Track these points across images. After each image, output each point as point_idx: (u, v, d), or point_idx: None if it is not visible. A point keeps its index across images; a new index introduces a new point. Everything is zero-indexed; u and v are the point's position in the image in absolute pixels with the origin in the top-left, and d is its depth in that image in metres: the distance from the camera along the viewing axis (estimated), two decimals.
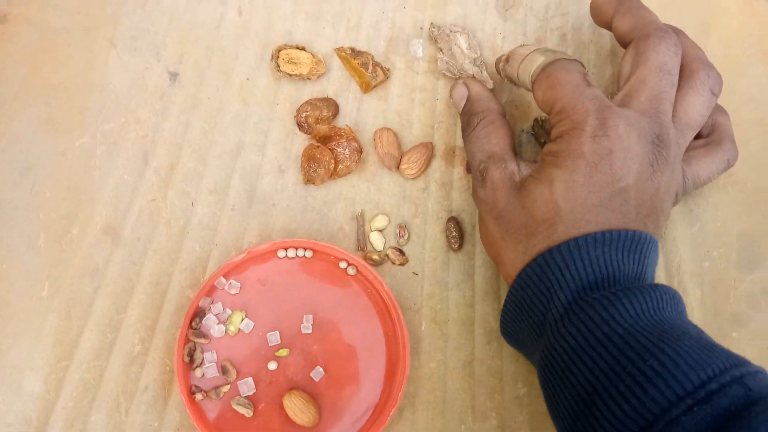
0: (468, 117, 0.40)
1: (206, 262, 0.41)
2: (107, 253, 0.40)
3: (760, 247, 0.43)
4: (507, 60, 0.41)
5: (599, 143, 0.33)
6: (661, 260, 0.42)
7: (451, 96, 0.43)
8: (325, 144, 0.43)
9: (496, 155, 0.37)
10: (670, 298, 0.32)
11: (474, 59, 0.46)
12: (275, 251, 0.40)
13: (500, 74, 0.43)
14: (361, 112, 0.45)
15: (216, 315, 0.39)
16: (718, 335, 0.40)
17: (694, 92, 0.37)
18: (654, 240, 0.34)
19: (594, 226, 0.33)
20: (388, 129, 0.44)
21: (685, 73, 0.38)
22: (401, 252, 0.42)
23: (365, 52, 0.47)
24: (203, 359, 0.38)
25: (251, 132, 0.44)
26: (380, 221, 0.42)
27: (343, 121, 0.45)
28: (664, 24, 0.39)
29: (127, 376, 0.38)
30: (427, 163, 0.44)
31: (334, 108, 0.45)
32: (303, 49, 0.46)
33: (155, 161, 0.43)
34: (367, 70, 0.45)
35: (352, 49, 0.47)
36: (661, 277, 0.42)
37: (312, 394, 0.38)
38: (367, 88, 0.46)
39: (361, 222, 0.43)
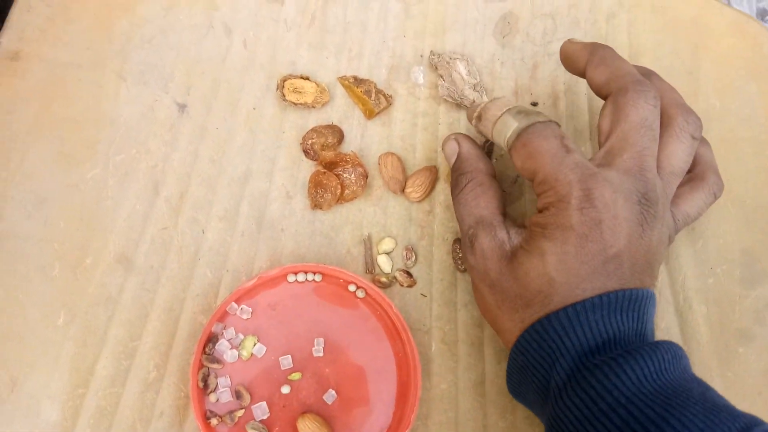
0: (457, 176, 0.39)
1: (218, 288, 0.41)
2: (120, 281, 0.41)
3: (762, 263, 0.43)
4: (479, 118, 0.39)
5: (587, 215, 0.32)
6: (665, 278, 0.43)
7: (443, 150, 0.42)
8: (331, 170, 0.44)
9: (485, 220, 0.37)
10: (672, 356, 0.31)
11: (474, 85, 0.47)
12: (285, 276, 0.41)
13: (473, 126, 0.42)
14: (366, 138, 0.46)
15: (228, 340, 0.39)
16: (724, 351, 0.40)
17: (675, 140, 0.36)
18: (651, 294, 0.33)
19: (590, 293, 0.32)
20: (393, 154, 0.45)
21: (664, 121, 0.37)
22: (409, 274, 0.42)
23: (367, 80, 0.47)
24: (217, 384, 0.38)
25: (258, 160, 0.45)
26: (387, 244, 0.43)
27: (348, 147, 0.46)
28: (638, 74, 0.37)
29: (143, 403, 0.38)
30: (432, 186, 0.45)
31: (339, 135, 0.45)
32: (307, 78, 0.47)
33: (166, 190, 0.43)
34: (370, 97, 0.46)
35: (355, 78, 0.47)
36: (666, 294, 0.42)
37: (325, 417, 0.38)
38: (370, 114, 0.46)
39: (368, 245, 0.43)
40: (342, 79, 0.47)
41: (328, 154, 0.44)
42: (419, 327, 0.41)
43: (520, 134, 0.35)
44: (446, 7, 0.51)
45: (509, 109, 0.37)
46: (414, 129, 0.47)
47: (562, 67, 0.43)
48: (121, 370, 0.39)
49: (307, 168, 0.45)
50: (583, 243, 0.32)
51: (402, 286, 0.42)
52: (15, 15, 0.47)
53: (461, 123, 0.47)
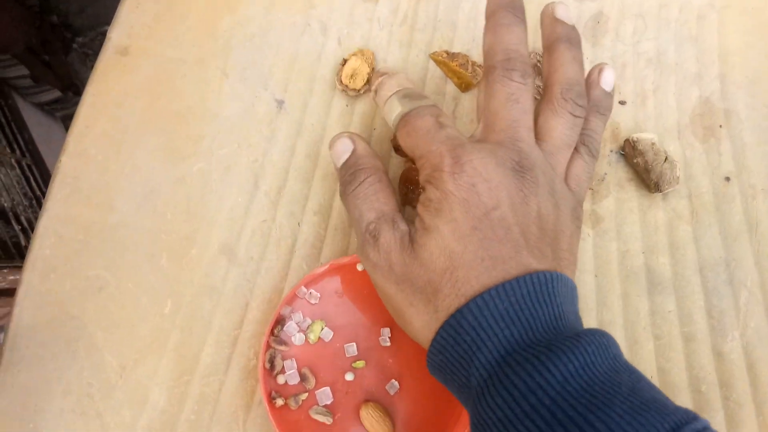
0: (353, 171, 0.36)
1: None
2: (224, 272, 0.41)
3: None
4: (376, 92, 0.39)
5: (459, 179, 0.32)
6: (756, 277, 0.41)
7: (331, 148, 0.38)
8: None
9: (386, 214, 0.35)
10: (597, 347, 0.28)
11: None
12: (354, 264, 0.40)
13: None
14: (457, 118, 0.45)
15: (297, 323, 0.39)
16: None
17: (552, 114, 0.35)
18: (557, 275, 0.31)
19: (490, 262, 0.30)
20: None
21: (545, 95, 0.36)
22: None
23: (460, 53, 0.46)
24: (283, 366, 0.38)
25: None
26: None
27: None
28: (512, 49, 0.36)
29: (244, 390, 0.38)
30: None
31: None
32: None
33: (265, 184, 0.43)
34: (466, 70, 0.45)
35: (447, 52, 0.46)
36: (756, 294, 0.41)
37: (387, 406, 0.38)
38: (467, 87, 0.45)
39: None
40: (434, 55, 0.46)
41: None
42: None
43: (403, 116, 0.35)
44: (537, 7, 0.49)
45: (397, 91, 0.37)
46: None
47: (652, 67, 0.42)
48: (224, 358, 0.39)
49: (398, 164, 0.44)
50: (466, 207, 0.31)
51: None
52: (123, 12, 0.46)
53: None
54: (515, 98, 0.34)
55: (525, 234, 0.32)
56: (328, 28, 0.47)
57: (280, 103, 0.45)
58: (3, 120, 1.21)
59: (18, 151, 1.21)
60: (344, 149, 0.38)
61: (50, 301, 0.39)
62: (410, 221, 0.35)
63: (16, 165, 1.19)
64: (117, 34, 0.46)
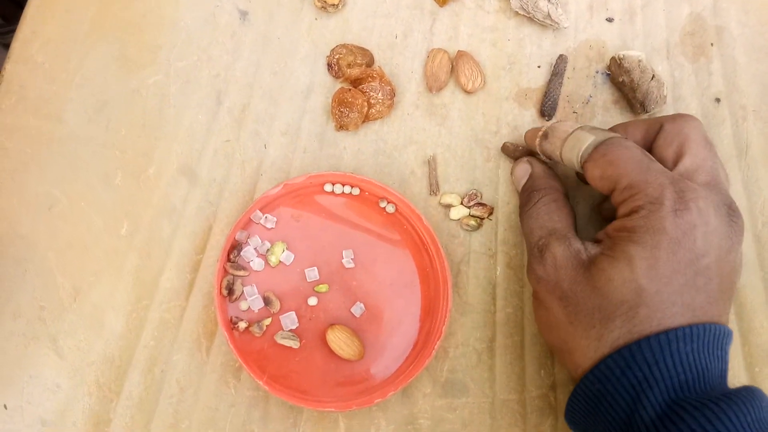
0: (529, 193, 0.37)
1: None
2: (184, 192, 0.38)
3: None
4: (545, 137, 0.37)
5: (682, 218, 0.29)
6: (744, 203, 0.40)
7: (512, 174, 0.39)
8: (357, 87, 0.40)
9: (558, 232, 0.34)
10: (764, 402, 0.28)
11: None
12: (310, 185, 0.38)
13: (532, 148, 0.39)
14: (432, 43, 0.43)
15: (255, 248, 0.37)
16: None
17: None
18: (731, 332, 0.31)
19: (680, 309, 0.29)
20: (444, 51, 0.42)
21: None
22: (482, 205, 0.40)
23: None
24: (243, 292, 0.36)
25: (320, 74, 0.42)
26: (451, 199, 0.40)
27: (416, 54, 0.42)
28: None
29: (207, 316, 0.36)
30: (484, 82, 0.42)
31: (369, 58, 0.42)
32: None
33: (228, 101, 0.40)
34: None
35: None
36: (745, 220, 0.39)
37: (354, 329, 0.37)
38: (445, 1, 0.43)
39: (433, 166, 0.40)
40: None
41: (354, 71, 0.40)
42: (484, 250, 0.39)
43: (598, 146, 0.33)
44: None
45: (581, 126, 0.35)
46: (482, 44, 0.43)
47: None
48: (185, 283, 0.37)
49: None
50: (675, 249, 0.29)
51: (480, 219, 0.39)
52: None
53: (531, 40, 0.43)
54: (709, 140, 0.33)
55: (720, 286, 0.30)
56: None
57: (244, 13, 0.42)
58: None
59: None
60: (523, 174, 0.38)
61: None
62: (592, 241, 0.33)
63: None
64: None
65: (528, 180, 0.38)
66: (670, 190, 0.30)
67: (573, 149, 0.34)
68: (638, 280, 0.29)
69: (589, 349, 0.31)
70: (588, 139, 0.34)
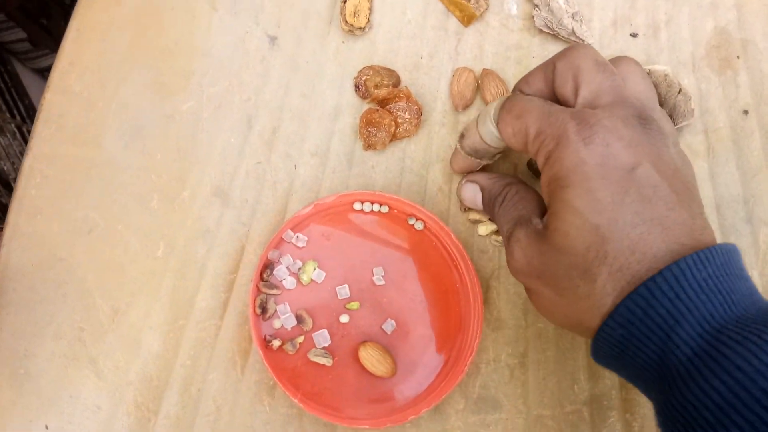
0: (492, 200, 0.36)
1: None
2: (218, 214, 0.39)
3: None
4: (462, 137, 0.37)
5: (593, 142, 0.29)
6: None
7: (461, 197, 0.39)
8: (384, 107, 0.41)
9: (522, 218, 0.33)
10: None
11: (573, 14, 0.43)
12: (340, 204, 0.39)
13: (459, 169, 0.39)
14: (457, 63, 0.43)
15: (287, 267, 0.37)
16: None
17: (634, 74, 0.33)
18: (736, 247, 0.29)
19: (646, 227, 0.28)
20: (469, 70, 0.42)
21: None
22: None
23: None
24: (276, 310, 0.37)
25: (348, 95, 0.42)
26: (479, 215, 0.40)
27: (441, 75, 0.43)
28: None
29: (242, 335, 0.37)
30: None
31: (396, 79, 0.43)
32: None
33: (258, 124, 0.41)
34: (468, 1, 0.43)
35: None
36: None
37: (385, 346, 0.37)
38: (470, 20, 0.43)
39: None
40: None
41: (381, 92, 0.41)
42: None
43: (503, 104, 0.33)
44: None
45: (485, 108, 0.36)
46: (506, 62, 0.44)
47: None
48: (220, 303, 0.37)
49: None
50: (602, 172, 0.28)
51: None
52: None
53: None
54: (602, 61, 0.32)
55: (674, 189, 0.29)
56: None
57: (273, 39, 0.43)
58: (3, 86, 1.19)
59: (18, 117, 1.19)
60: (473, 193, 0.38)
61: (37, 244, 0.38)
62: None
63: (16, 131, 1.18)
64: None
65: (483, 193, 0.37)
66: (571, 124, 0.30)
67: (485, 123, 0.35)
68: (588, 219, 0.28)
69: (591, 308, 0.29)
70: (493, 105, 0.34)
